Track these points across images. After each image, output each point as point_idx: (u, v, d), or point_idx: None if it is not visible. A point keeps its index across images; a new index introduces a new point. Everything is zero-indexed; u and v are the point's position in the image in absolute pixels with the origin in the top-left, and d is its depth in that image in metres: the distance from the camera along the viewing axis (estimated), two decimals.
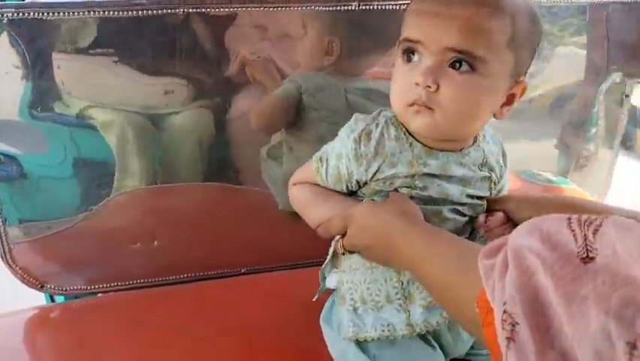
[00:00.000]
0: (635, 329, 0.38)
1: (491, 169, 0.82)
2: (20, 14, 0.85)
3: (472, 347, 0.87)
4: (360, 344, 0.81)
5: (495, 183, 0.83)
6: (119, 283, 1.04)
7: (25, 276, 0.99)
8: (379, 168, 0.77)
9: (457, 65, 0.69)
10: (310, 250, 1.06)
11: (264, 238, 1.08)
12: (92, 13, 0.88)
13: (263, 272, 1.10)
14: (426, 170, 0.76)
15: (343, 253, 0.80)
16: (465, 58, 0.69)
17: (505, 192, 0.87)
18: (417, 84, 0.70)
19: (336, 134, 0.82)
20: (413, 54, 0.72)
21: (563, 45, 1.17)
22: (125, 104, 0.96)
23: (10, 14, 0.85)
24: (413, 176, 0.76)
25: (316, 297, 0.90)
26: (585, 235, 0.45)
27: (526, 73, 0.77)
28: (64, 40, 0.90)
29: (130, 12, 0.89)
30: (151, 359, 0.90)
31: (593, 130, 1.26)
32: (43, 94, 0.92)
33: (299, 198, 0.86)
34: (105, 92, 0.95)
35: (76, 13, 0.88)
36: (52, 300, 1.26)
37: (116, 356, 0.90)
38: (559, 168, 1.33)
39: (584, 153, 1.29)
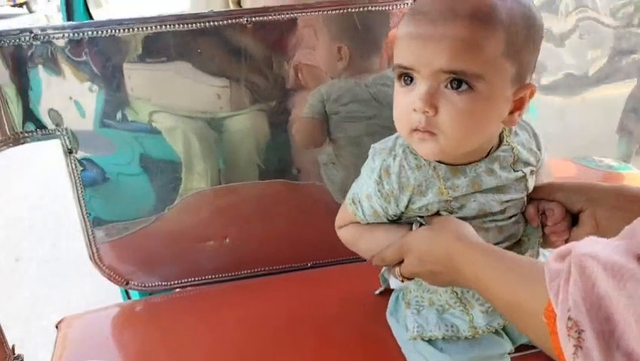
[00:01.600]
0: None
1: (526, 163, 0.80)
2: (95, 32, 0.92)
3: None
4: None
5: (528, 178, 0.80)
6: (195, 279, 1.11)
7: (111, 274, 1.07)
8: (410, 199, 0.77)
9: (454, 84, 0.66)
10: None
11: (329, 233, 1.12)
12: (156, 27, 0.94)
13: (328, 266, 1.15)
14: (456, 193, 0.75)
15: (402, 281, 0.81)
16: (459, 77, 0.66)
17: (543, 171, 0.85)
18: (414, 110, 0.68)
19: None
20: (409, 78, 0.70)
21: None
22: (187, 109, 1.02)
23: (72, 34, 0.91)
24: (446, 201, 0.76)
25: (378, 291, 0.95)
26: None
27: (531, 75, 0.72)
28: (133, 53, 0.96)
29: (192, 25, 0.94)
30: (228, 349, 0.95)
31: None
32: (115, 104, 0.98)
33: (347, 237, 0.88)
34: (170, 100, 1.01)
35: (142, 29, 0.93)
36: (129, 297, 1.35)
37: (196, 345, 0.96)
38: (619, 154, 1.31)
39: None
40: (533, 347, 0.89)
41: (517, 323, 0.63)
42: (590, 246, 0.49)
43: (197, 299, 1.09)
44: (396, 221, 0.82)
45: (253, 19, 0.95)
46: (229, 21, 0.95)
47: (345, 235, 0.88)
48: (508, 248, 0.80)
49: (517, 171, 0.78)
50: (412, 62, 0.68)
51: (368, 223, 0.83)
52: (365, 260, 1.12)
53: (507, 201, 0.78)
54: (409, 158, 0.76)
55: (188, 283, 1.11)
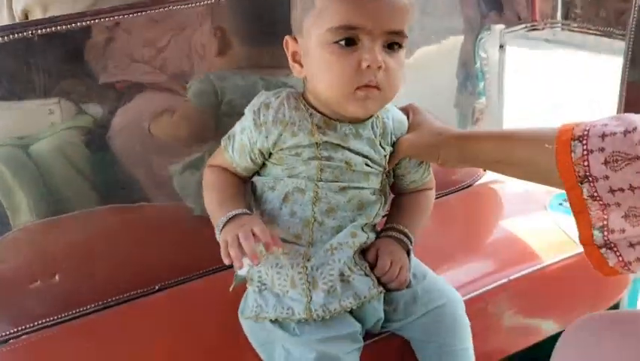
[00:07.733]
0: None
1: (392, 144, 0.88)
2: None
3: (386, 320, 0.88)
4: (279, 323, 0.83)
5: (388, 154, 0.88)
6: (27, 326, 0.98)
7: None
8: (280, 136, 0.81)
9: (393, 45, 0.76)
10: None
11: (172, 251, 1.05)
12: None
13: (177, 285, 1.08)
14: (326, 138, 0.81)
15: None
16: (398, 38, 0.76)
17: None
18: (368, 67, 0.73)
19: None
20: (352, 39, 0.74)
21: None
22: None
23: None
24: (317, 145, 0.81)
25: (232, 287, 0.91)
26: None
27: None
28: None
29: None
30: None
31: (482, 84, 1.29)
32: None
33: (205, 179, 0.91)
34: None
35: None
36: None
37: None
38: (459, 126, 1.35)
39: (478, 106, 1.31)
40: (382, 333, 0.90)
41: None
42: None
43: (33, 349, 0.97)
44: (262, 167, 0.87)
45: (39, 31, 0.84)
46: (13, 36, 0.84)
47: (206, 175, 0.91)
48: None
49: (384, 146, 0.86)
50: (362, 22, 0.73)
51: (225, 184, 0.87)
52: (211, 273, 1.08)
53: (369, 166, 0.84)
54: (290, 99, 0.83)
55: (21, 332, 0.99)
